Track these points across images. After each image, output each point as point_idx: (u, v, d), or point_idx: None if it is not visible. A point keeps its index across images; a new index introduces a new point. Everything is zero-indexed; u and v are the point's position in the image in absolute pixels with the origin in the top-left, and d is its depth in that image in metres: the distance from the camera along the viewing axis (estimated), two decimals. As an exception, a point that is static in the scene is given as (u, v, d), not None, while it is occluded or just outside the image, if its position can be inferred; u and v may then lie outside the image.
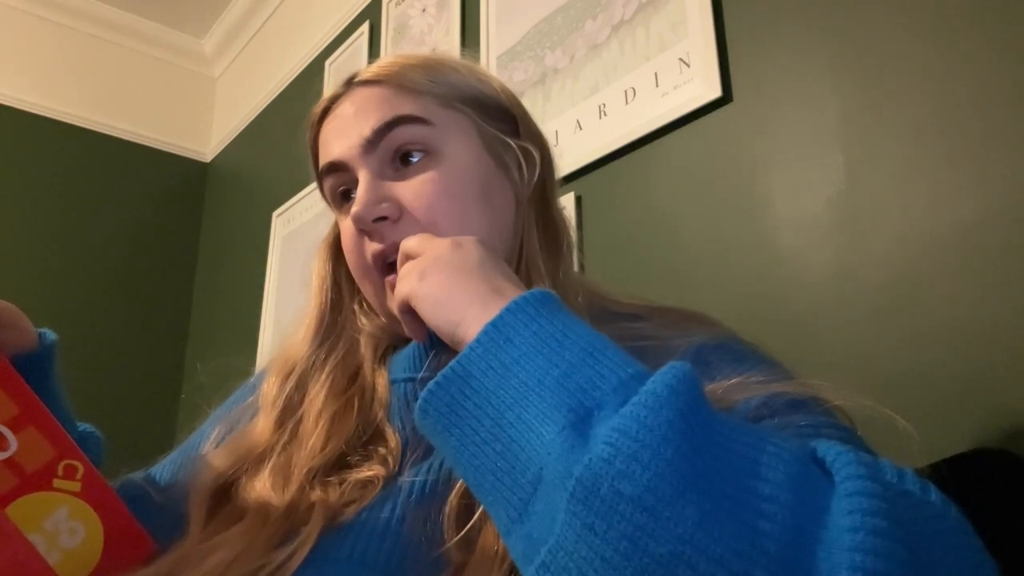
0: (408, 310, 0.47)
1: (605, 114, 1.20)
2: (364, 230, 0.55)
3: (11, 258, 2.27)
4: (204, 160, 2.77)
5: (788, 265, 0.93)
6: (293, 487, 0.51)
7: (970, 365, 0.74)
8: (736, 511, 0.28)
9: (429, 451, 0.51)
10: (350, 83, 0.60)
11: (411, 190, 0.55)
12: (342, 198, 0.59)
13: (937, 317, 0.78)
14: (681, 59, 1.10)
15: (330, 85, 0.62)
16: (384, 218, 0.54)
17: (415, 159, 0.56)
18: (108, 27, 2.61)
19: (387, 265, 0.55)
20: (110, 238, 2.47)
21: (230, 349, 2.29)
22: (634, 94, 1.16)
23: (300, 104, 2.25)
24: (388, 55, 0.61)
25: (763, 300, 0.94)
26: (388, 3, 1.89)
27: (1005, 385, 0.71)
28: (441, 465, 0.49)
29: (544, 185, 0.61)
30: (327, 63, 2.11)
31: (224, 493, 0.54)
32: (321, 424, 0.55)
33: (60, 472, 0.48)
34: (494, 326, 0.39)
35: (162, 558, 0.49)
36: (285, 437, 0.55)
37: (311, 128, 0.62)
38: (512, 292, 0.42)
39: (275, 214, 2.19)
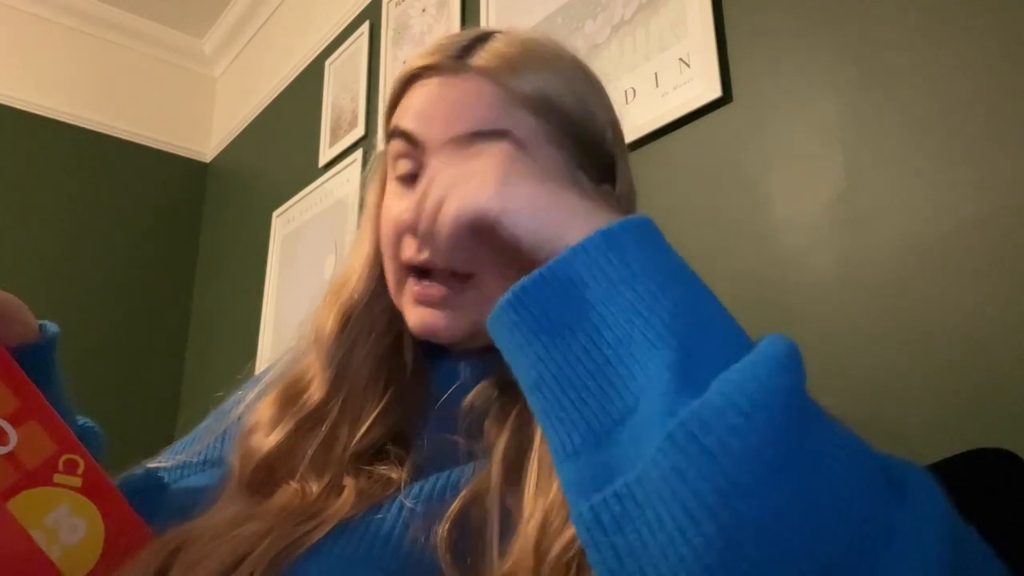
0: (469, 231, 0.41)
1: (605, 114, 1.20)
2: (413, 237, 0.51)
3: (11, 258, 2.27)
4: (204, 160, 2.77)
5: (788, 265, 0.93)
6: (332, 469, 0.50)
7: (970, 365, 0.74)
8: (833, 498, 0.28)
9: (439, 466, 0.50)
10: (462, 59, 0.52)
11: None
12: (402, 171, 0.54)
13: (938, 317, 0.78)
14: (681, 59, 1.10)
15: (437, 40, 0.56)
16: None
17: None
18: (108, 27, 2.61)
19: (414, 270, 0.52)
20: (110, 238, 2.47)
21: (230, 349, 2.29)
22: (634, 94, 1.16)
23: (300, 104, 2.26)
24: (515, 39, 0.54)
25: (763, 300, 0.94)
26: (388, 3, 1.89)
27: (1006, 385, 0.71)
28: (444, 486, 0.48)
29: None
30: (327, 63, 2.10)
31: (270, 463, 0.52)
32: (367, 406, 0.53)
33: (61, 467, 0.47)
34: (604, 236, 0.35)
35: (199, 518, 0.49)
36: (336, 409, 0.53)
37: (403, 77, 0.55)
38: (611, 214, 0.38)
39: (275, 214, 2.19)
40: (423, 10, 1.75)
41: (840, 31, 0.93)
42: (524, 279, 0.36)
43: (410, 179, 0.53)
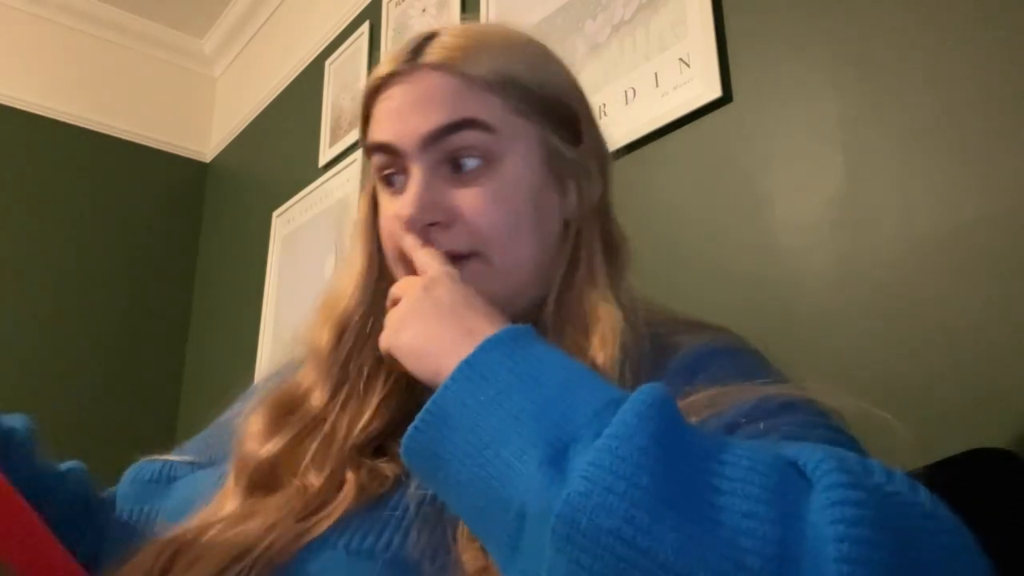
0: (394, 358, 0.48)
1: (605, 114, 1.20)
2: (413, 231, 0.53)
3: (10, 258, 2.27)
4: (204, 160, 2.77)
5: (788, 265, 0.93)
6: (333, 463, 0.51)
7: (970, 365, 0.74)
8: (716, 531, 0.28)
9: None
10: (415, 60, 0.55)
11: (465, 199, 0.53)
12: (386, 180, 0.57)
13: (938, 317, 0.78)
14: (681, 59, 1.10)
15: (390, 51, 0.58)
16: (435, 223, 0.53)
17: (472, 165, 0.53)
18: (108, 27, 2.61)
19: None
20: (110, 238, 2.47)
21: (230, 349, 2.29)
22: (634, 94, 1.16)
23: (300, 104, 2.26)
24: (460, 29, 0.58)
25: (763, 300, 0.94)
26: (388, 3, 1.89)
27: (1005, 385, 0.71)
28: None
29: (603, 196, 0.60)
30: (327, 63, 2.10)
31: (273, 464, 0.53)
32: (369, 401, 0.54)
33: None
34: (468, 364, 0.39)
35: (198, 517, 0.49)
36: (337, 408, 0.54)
37: (366, 93, 0.58)
38: (486, 330, 0.42)
39: (275, 214, 2.19)
40: (423, 10, 1.75)
41: (840, 31, 0.93)
42: (410, 426, 0.39)
43: (397, 183, 0.56)
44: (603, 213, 0.59)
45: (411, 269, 0.54)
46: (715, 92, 1.04)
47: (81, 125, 2.50)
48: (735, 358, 0.51)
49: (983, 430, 0.72)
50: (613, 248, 0.59)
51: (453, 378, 0.39)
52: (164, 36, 2.73)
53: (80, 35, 2.57)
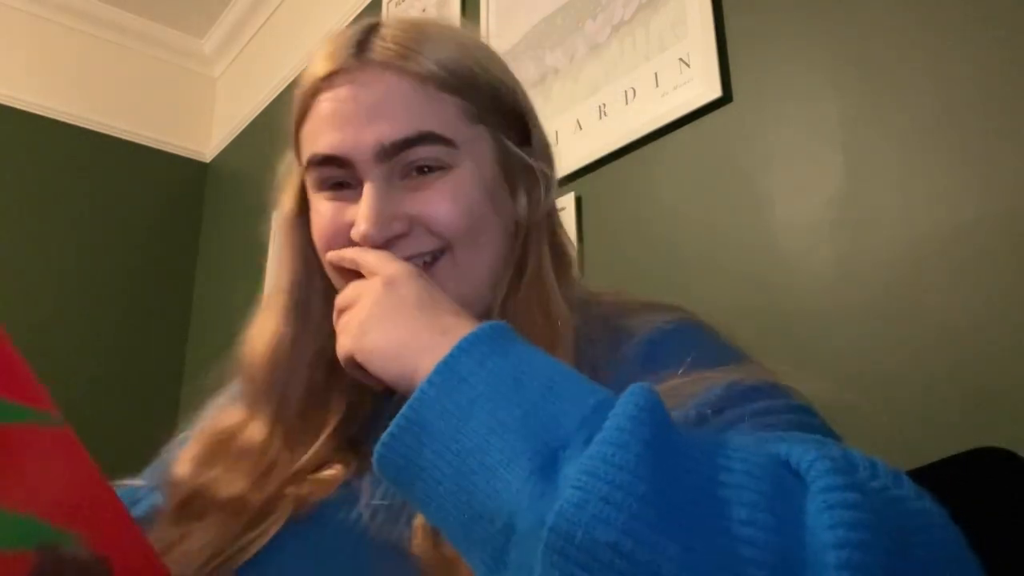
0: (357, 366, 0.44)
1: (605, 114, 1.20)
2: (371, 247, 0.50)
3: (11, 258, 2.26)
4: (204, 160, 2.77)
5: (788, 265, 0.93)
6: (273, 486, 0.49)
7: (970, 365, 0.74)
8: (715, 541, 0.28)
9: None
10: (361, 55, 0.51)
11: (423, 206, 0.50)
12: (330, 187, 0.53)
13: (937, 317, 0.78)
14: (681, 59, 1.10)
15: (326, 44, 0.53)
16: (392, 237, 0.50)
17: (428, 172, 0.50)
18: (108, 27, 2.61)
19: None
20: (110, 238, 2.47)
21: (230, 349, 2.29)
22: (634, 94, 1.16)
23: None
24: (404, 22, 0.53)
25: (762, 300, 0.94)
26: (388, 3, 1.89)
27: (1005, 385, 0.71)
28: None
29: (548, 199, 0.58)
30: (327, 63, 2.10)
31: (211, 493, 0.52)
32: (307, 435, 0.53)
33: None
34: (446, 365, 0.36)
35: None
36: (278, 444, 0.52)
37: (306, 94, 0.54)
38: (461, 329, 0.39)
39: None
40: (423, 10, 1.75)
41: (840, 31, 0.93)
42: (384, 434, 0.36)
43: (345, 189, 0.52)
44: (551, 216, 0.58)
45: (352, 277, 0.50)
46: (715, 92, 1.04)
47: (81, 125, 2.50)
48: (693, 338, 0.50)
49: (983, 430, 0.72)
50: (561, 252, 0.57)
51: (429, 381, 0.36)
52: (164, 36, 2.73)
53: (80, 35, 2.57)
